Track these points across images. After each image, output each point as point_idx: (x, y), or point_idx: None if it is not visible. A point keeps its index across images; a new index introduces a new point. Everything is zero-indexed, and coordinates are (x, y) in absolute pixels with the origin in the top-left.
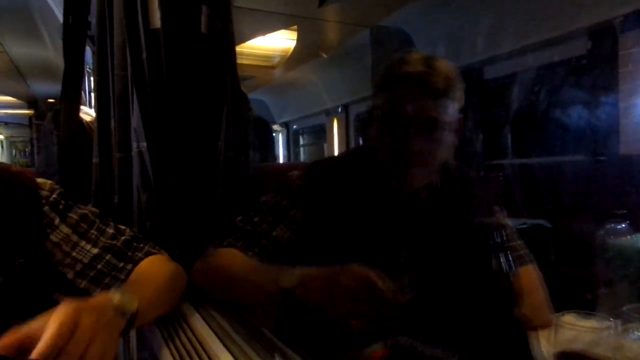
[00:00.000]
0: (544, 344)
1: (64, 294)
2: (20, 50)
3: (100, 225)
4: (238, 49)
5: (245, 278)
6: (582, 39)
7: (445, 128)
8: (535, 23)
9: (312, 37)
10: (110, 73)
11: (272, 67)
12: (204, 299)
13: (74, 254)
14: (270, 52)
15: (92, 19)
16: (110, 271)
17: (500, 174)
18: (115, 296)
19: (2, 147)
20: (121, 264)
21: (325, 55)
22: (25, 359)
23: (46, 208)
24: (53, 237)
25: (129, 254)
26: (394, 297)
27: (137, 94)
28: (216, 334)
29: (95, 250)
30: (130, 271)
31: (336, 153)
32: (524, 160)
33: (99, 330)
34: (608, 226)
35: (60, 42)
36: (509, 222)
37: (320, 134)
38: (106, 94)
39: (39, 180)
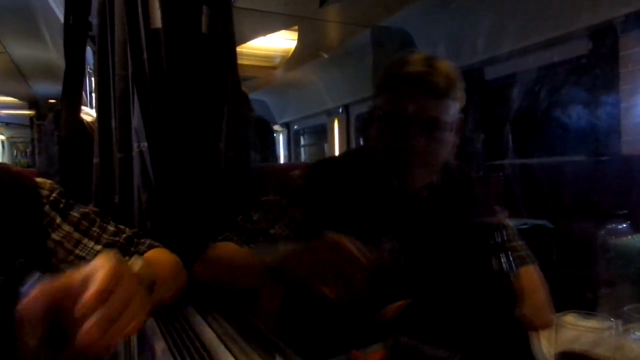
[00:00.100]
0: (545, 344)
1: None
2: (21, 50)
3: (102, 223)
4: (239, 49)
5: (236, 263)
6: (583, 40)
7: (446, 128)
8: (536, 23)
9: (313, 38)
10: (111, 73)
11: (273, 68)
12: (206, 301)
13: (77, 251)
14: (271, 53)
15: (93, 19)
16: None
17: (502, 174)
18: (136, 263)
19: (3, 147)
20: (125, 258)
21: (325, 55)
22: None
23: (47, 207)
24: (55, 236)
25: (132, 248)
26: (368, 262)
27: (138, 94)
28: (216, 333)
29: (98, 247)
30: None
31: (337, 153)
32: (525, 161)
33: (137, 290)
34: (609, 226)
35: (61, 43)
36: (510, 222)
37: (321, 134)
38: (107, 94)
39: (39, 179)
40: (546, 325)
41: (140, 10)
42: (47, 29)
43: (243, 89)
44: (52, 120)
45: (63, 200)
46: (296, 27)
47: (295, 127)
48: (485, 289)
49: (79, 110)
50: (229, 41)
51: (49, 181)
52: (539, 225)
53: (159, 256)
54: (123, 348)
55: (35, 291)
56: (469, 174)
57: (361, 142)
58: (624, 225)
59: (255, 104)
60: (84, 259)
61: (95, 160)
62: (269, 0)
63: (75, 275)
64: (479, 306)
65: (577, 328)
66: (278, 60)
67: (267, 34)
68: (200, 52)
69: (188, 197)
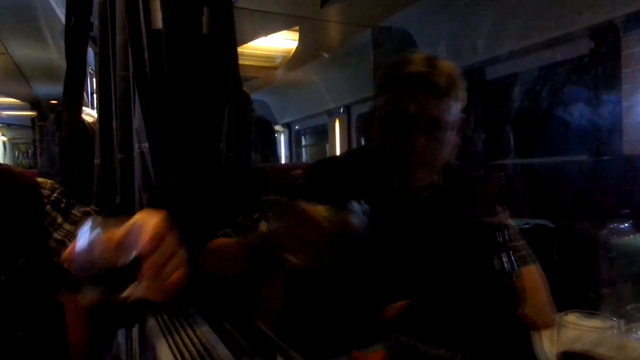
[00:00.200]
0: (547, 343)
1: (69, 290)
2: (23, 52)
3: None
4: (240, 49)
5: (226, 251)
6: (584, 39)
7: (448, 128)
8: (537, 23)
9: (314, 38)
10: (112, 74)
11: (274, 68)
12: (206, 301)
13: None
14: (272, 53)
15: (94, 20)
16: None
17: (503, 173)
18: None
19: (5, 148)
20: None
21: (326, 55)
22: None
23: (48, 207)
24: (56, 235)
25: None
26: (330, 226)
27: (139, 94)
28: (216, 333)
29: None
30: None
31: (338, 154)
32: (527, 160)
33: (178, 245)
34: (611, 226)
35: (62, 44)
36: (512, 222)
37: (323, 134)
38: (108, 95)
39: (40, 179)
40: (548, 325)
41: (141, 11)
42: (49, 30)
43: (244, 89)
44: (53, 121)
45: (64, 200)
46: (297, 28)
47: (297, 127)
48: (486, 288)
49: (80, 111)
50: (230, 42)
51: (49, 181)
52: (541, 224)
53: None
54: (125, 348)
55: (93, 238)
56: (470, 173)
57: (362, 142)
58: (626, 225)
59: (257, 105)
60: None
61: (97, 161)
62: (270, 1)
63: (126, 225)
64: (480, 306)
65: (579, 327)
66: (279, 60)
67: (268, 34)
68: (201, 52)
69: (189, 197)
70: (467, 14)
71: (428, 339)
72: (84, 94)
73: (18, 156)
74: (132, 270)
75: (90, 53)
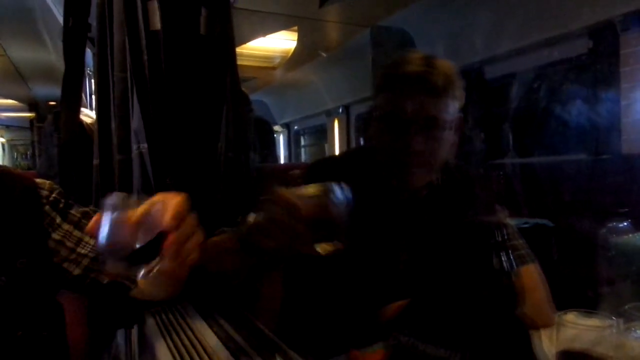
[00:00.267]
0: (546, 342)
1: (69, 290)
2: (21, 53)
3: None
4: (238, 50)
5: (220, 247)
6: (583, 38)
7: (446, 127)
8: (536, 22)
9: (313, 38)
10: (110, 75)
11: (273, 68)
12: (206, 300)
13: (78, 249)
14: (271, 53)
15: (93, 21)
16: None
17: (502, 172)
18: None
19: (4, 150)
20: None
21: (325, 55)
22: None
23: (47, 207)
24: (55, 235)
25: None
26: (306, 210)
27: (138, 95)
28: (216, 333)
29: None
30: None
31: (337, 153)
32: (526, 160)
33: (197, 224)
34: (610, 225)
35: (61, 45)
36: (510, 221)
37: (322, 134)
38: (106, 96)
39: (38, 180)
40: (547, 324)
41: (139, 12)
42: (47, 31)
43: (243, 89)
44: (51, 122)
45: (63, 200)
46: (296, 28)
47: (296, 127)
48: (485, 287)
49: (78, 112)
50: (228, 42)
51: (48, 182)
52: (540, 224)
53: None
54: (124, 348)
55: (117, 214)
56: (469, 173)
57: (362, 142)
58: (625, 224)
59: (255, 105)
60: (86, 257)
61: (95, 161)
62: (268, 1)
63: (149, 203)
64: (479, 305)
65: (577, 327)
66: (278, 60)
67: (266, 35)
68: (199, 53)
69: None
70: (466, 13)
71: (427, 338)
72: (83, 95)
73: (17, 157)
74: (154, 247)
75: (89, 54)
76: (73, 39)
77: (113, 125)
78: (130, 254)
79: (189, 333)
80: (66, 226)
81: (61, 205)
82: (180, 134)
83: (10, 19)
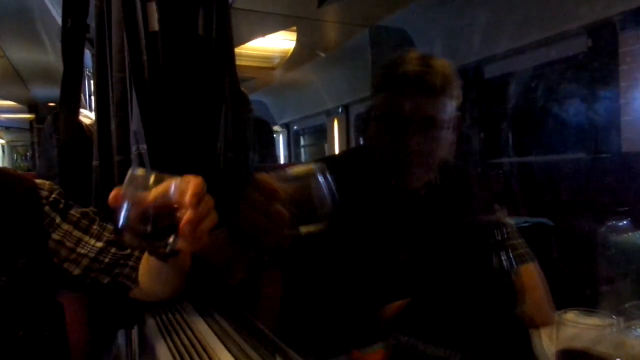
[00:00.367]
0: (546, 341)
1: (70, 290)
2: (20, 54)
3: (101, 222)
4: (237, 50)
5: (215, 240)
6: (582, 37)
7: (443, 126)
8: (535, 21)
9: (312, 38)
10: (109, 75)
11: (272, 68)
12: (206, 300)
13: (78, 249)
14: (270, 53)
15: (91, 21)
16: (118, 260)
17: (501, 172)
18: None
19: (4, 151)
20: (128, 251)
21: (324, 55)
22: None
23: (47, 208)
24: (55, 236)
25: None
26: (285, 192)
27: (137, 96)
28: (216, 333)
29: (99, 244)
30: (139, 257)
31: (337, 153)
32: (526, 159)
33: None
34: (610, 224)
35: (59, 46)
36: (510, 220)
37: (321, 134)
38: (106, 97)
39: (38, 181)
40: (547, 323)
41: (138, 12)
42: (46, 32)
43: (242, 89)
44: (50, 123)
45: (62, 201)
46: (294, 28)
47: (295, 127)
48: (485, 287)
49: (77, 113)
50: (227, 42)
51: (48, 182)
52: (540, 223)
53: None
54: (124, 349)
55: (139, 193)
56: (468, 172)
57: (361, 142)
58: (625, 223)
59: (255, 105)
60: (85, 257)
61: (95, 162)
62: (267, 1)
63: (169, 181)
64: (479, 304)
65: (577, 325)
66: (277, 60)
67: (265, 35)
68: (197, 53)
69: None
70: (465, 12)
71: (427, 338)
72: (82, 95)
73: (16, 159)
74: (170, 224)
75: (88, 55)
76: (72, 39)
77: (112, 126)
78: (147, 230)
79: (189, 333)
80: (66, 226)
81: (61, 206)
82: (180, 135)
83: (8, 20)
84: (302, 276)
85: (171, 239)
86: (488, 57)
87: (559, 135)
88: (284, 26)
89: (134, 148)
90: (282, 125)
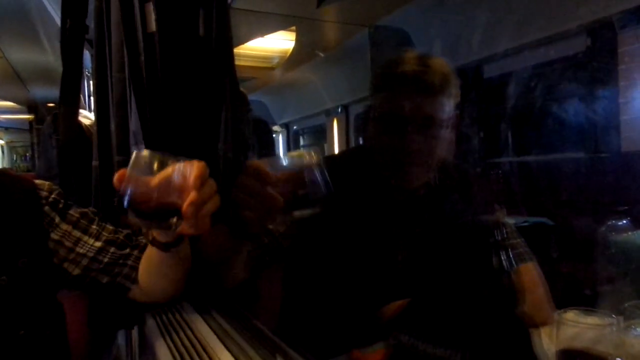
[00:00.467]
0: (546, 341)
1: (70, 289)
2: (19, 55)
3: (100, 222)
4: (237, 50)
5: (213, 234)
6: (581, 36)
7: (442, 126)
8: (534, 21)
9: (311, 38)
10: (109, 76)
11: (272, 68)
12: (205, 299)
13: (77, 249)
14: (270, 54)
15: (90, 22)
16: (117, 260)
17: (501, 171)
18: None
19: (3, 152)
20: (127, 250)
21: (323, 55)
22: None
23: (46, 208)
24: (54, 235)
25: (133, 243)
26: (279, 179)
27: (135, 96)
28: (216, 333)
29: (99, 244)
30: (138, 256)
31: (336, 153)
32: (525, 158)
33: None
34: (610, 223)
35: (59, 46)
36: (509, 220)
37: (321, 134)
38: (105, 97)
39: (37, 181)
40: (546, 323)
41: (136, 13)
42: (45, 32)
43: (241, 90)
44: (50, 124)
45: (62, 201)
46: (294, 28)
47: (295, 127)
48: (484, 286)
49: (76, 114)
50: (226, 43)
51: (47, 183)
52: (540, 222)
53: None
54: (125, 349)
55: (142, 177)
56: (467, 171)
57: (361, 142)
58: (624, 222)
59: (254, 105)
60: (85, 257)
61: (95, 163)
62: (266, 1)
63: (173, 165)
64: (479, 304)
65: (577, 325)
66: (276, 61)
67: (264, 35)
68: (197, 54)
69: None
70: (465, 12)
71: (427, 337)
72: (82, 96)
73: (16, 159)
74: (173, 207)
75: (87, 55)
76: (71, 40)
77: (112, 126)
78: (150, 211)
79: (189, 333)
80: (65, 226)
81: (60, 206)
82: (179, 135)
83: (8, 22)
84: (302, 276)
85: (174, 220)
86: (487, 57)
87: (558, 134)
88: (284, 26)
89: (133, 148)
90: (281, 126)
